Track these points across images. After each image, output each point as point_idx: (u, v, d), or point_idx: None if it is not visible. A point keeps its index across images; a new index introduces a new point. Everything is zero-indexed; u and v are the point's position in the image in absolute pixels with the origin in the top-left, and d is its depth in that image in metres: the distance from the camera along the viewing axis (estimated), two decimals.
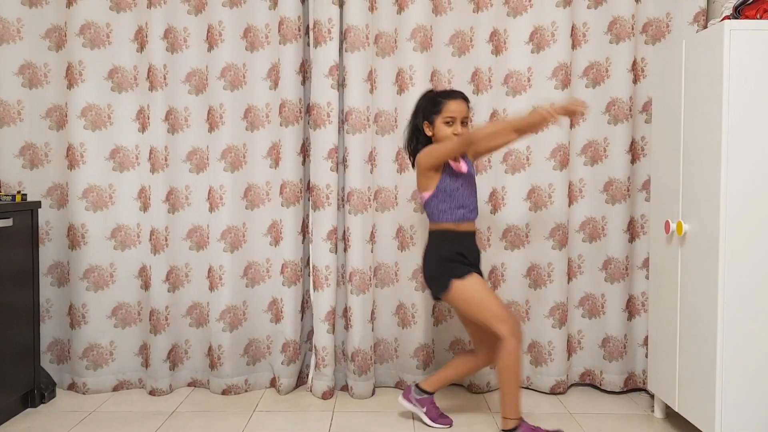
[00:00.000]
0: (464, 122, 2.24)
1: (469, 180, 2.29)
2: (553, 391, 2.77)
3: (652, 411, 2.56)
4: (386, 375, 2.86)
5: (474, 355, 2.37)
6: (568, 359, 2.83)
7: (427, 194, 2.27)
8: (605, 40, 2.74)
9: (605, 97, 2.74)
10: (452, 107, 2.22)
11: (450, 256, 2.24)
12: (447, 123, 2.23)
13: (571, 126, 2.79)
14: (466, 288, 2.20)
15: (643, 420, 2.48)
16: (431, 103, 2.27)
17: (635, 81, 2.74)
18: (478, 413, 2.55)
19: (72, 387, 2.81)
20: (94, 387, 2.79)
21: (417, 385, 2.42)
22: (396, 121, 2.78)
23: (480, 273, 2.31)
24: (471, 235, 2.31)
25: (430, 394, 2.41)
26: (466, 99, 2.27)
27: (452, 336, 2.88)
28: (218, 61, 2.74)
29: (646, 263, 2.78)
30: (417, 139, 2.33)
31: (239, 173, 2.79)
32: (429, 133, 2.28)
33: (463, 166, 2.27)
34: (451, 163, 2.25)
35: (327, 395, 2.72)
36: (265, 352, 2.87)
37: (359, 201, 2.73)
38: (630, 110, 2.71)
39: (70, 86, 2.73)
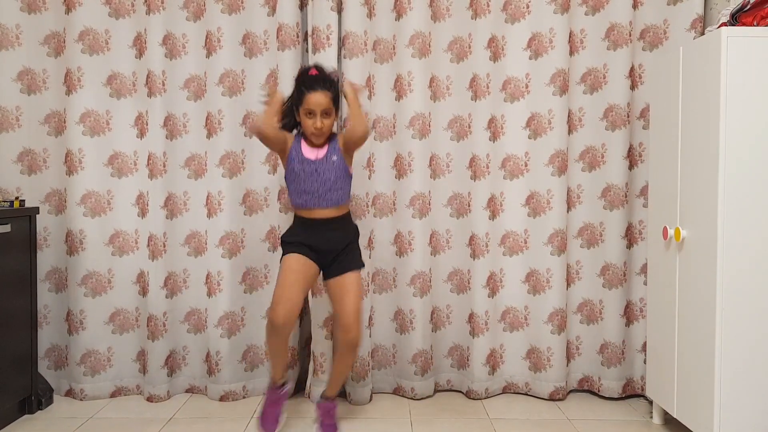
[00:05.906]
0: (328, 113, 2.22)
1: (321, 167, 2.26)
2: (552, 398, 2.77)
3: (651, 417, 2.55)
4: (384, 381, 2.85)
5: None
6: (567, 365, 2.83)
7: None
8: (603, 47, 2.74)
9: (603, 104, 2.75)
10: (312, 100, 2.20)
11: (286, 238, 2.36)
12: (308, 115, 2.22)
13: (570, 132, 2.79)
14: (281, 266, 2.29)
15: (641, 426, 2.48)
16: (297, 92, 2.26)
17: (633, 87, 2.75)
18: (474, 420, 2.55)
19: (69, 393, 2.80)
20: (92, 393, 2.78)
21: (323, 394, 2.43)
22: (394, 127, 2.78)
23: (336, 260, 2.34)
24: (322, 222, 2.30)
25: (332, 398, 2.41)
26: (329, 89, 2.22)
27: (451, 342, 2.87)
28: (217, 67, 2.74)
29: (644, 269, 2.78)
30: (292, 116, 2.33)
31: (238, 179, 2.79)
32: (299, 120, 2.29)
33: (312, 153, 2.28)
34: (303, 148, 2.28)
35: None
36: (264, 358, 2.86)
37: (357, 207, 2.73)
38: (628, 116, 2.71)
39: (68, 92, 2.74)
